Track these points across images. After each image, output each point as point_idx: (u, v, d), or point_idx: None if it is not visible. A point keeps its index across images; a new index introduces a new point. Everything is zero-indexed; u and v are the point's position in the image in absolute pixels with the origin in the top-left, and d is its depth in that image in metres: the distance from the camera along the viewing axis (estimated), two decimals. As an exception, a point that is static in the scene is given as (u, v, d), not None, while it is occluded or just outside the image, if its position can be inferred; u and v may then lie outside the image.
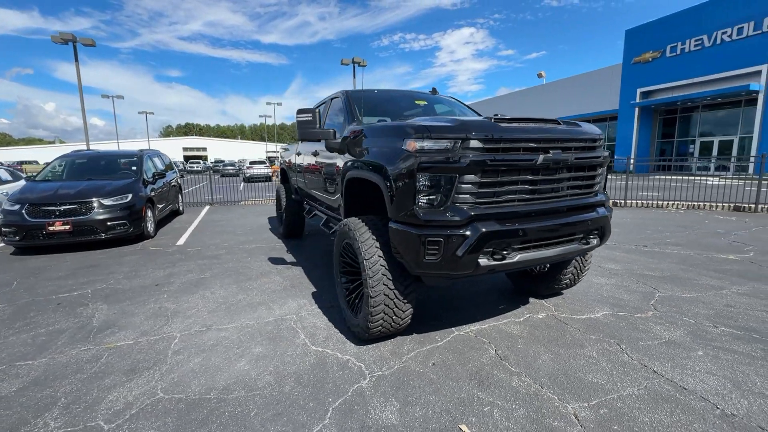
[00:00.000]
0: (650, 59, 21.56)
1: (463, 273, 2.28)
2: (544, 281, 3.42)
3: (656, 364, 2.43)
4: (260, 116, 59.82)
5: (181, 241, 6.37)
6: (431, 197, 2.23)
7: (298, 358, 2.61)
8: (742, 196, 9.16)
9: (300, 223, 6.22)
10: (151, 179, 7.15)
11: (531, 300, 3.55)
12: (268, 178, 23.12)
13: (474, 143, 2.20)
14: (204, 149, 73.94)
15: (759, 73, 17.01)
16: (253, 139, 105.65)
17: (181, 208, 9.64)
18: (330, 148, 3.51)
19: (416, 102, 4.07)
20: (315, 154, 4.20)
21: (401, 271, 2.52)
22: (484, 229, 2.19)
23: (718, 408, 2.01)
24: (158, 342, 2.87)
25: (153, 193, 6.96)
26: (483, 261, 2.25)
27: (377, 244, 2.54)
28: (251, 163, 24.86)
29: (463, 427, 1.91)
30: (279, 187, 6.38)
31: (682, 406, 2.03)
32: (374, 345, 2.75)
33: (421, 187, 2.22)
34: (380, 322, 2.55)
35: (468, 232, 2.18)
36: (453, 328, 3.00)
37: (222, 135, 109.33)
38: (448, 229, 2.19)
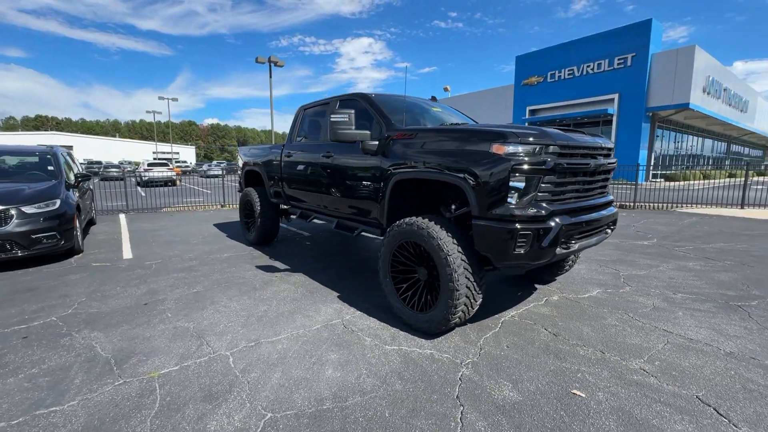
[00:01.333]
0: (535, 82, 25.55)
1: (542, 261, 2.61)
2: (551, 269, 3.99)
3: (661, 325, 3.12)
4: (148, 112, 51.99)
5: (127, 254, 5.42)
6: (520, 195, 2.51)
7: (382, 358, 2.61)
8: (618, 195, 11.61)
9: (275, 229, 5.88)
10: (74, 182, 5.91)
11: (537, 286, 4.08)
12: (171, 182, 20.57)
13: (553, 149, 2.56)
14: (70, 148, 61.43)
15: (613, 100, 21.66)
16: (130, 138, 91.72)
17: (94, 218, 8.08)
18: (365, 150, 3.51)
19: (427, 109, 4.31)
20: (327, 156, 4.10)
21: (477, 264, 2.74)
22: (562, 222, 2.56)
23: (720, 350, 2.72)
24: (212, 363, 2.54)
25: (79, 199, 5.77)
26: (558, 250, 2.62)
27: (454, 240, 2.71)
28: (150, 165, 21.77)
29: (575, 391, 2.23)
30: (248, 192, 5.92)
31: (699, 352, 2.68)
32: (443, 338, 2.90)
33: (513, 187, 2.49)
34: (460, 314, 2.73)
35: (551, 225, 2.52)
36: (496, 315, 3.32)
37: (90, 131, 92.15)
38: (535, 223, 2.50)
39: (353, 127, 3.44)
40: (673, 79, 19.86)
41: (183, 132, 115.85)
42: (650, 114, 21.23)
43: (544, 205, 2.57)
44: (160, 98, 45.70)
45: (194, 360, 2.58)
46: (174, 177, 21.12)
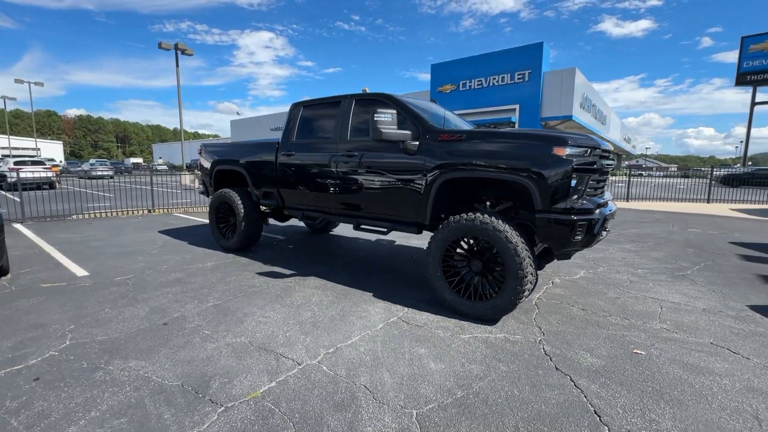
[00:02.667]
0: (449, 90, 27.75)
1: (588, 247, 3.07)
2: (548, 257, 4.58)
3: (647, 294, 3.90)
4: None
5: (78, 271, 4.47)
6: (578, 191, 2.93)
7: (467, 346, 2.77)
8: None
9: (259, 233, 5.47)
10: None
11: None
12: (49, 185, 16.96)
13: (597, 151, 3.03)
14: None
15: (515, 109, 24.80)
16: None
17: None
18: (406, 150, 3.58)
19: (437, 111, 4.53)
20: (350, 155, 4.04)
21: (532, 252, 3.08)
22: (603, 213, 3.05)
23: (697, 307, 3.54)
24: (309, 374, 2.38)
25: (-5, 206, 4.55)
26: (598, 237, 3.11)
27: (516, 233, 3.01)
28: (18, 163, 17.57)
29: (636, 350, 2.71)
30: (226, 194, 5.37)
31: (686, 311, 3.46)
32: (501, 323, 3.17)
33: (574, 184, 2.88)
34: (523, 298, 3.04)
35: (598, 217, 2.99)
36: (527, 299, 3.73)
37: None
38: (588, 214, 2.94)
39: (396, 127, 3.50)
40: (559, 94, 23.64)
41: (40, 124, 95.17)
42: (544, 123, 24.90)
43: (591, 199, 3.03)
44: (18, 81, 36.70)
45: (286, 374, 2.38)
46: (53, 178, 17.43)
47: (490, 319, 3.18)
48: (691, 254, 5.60)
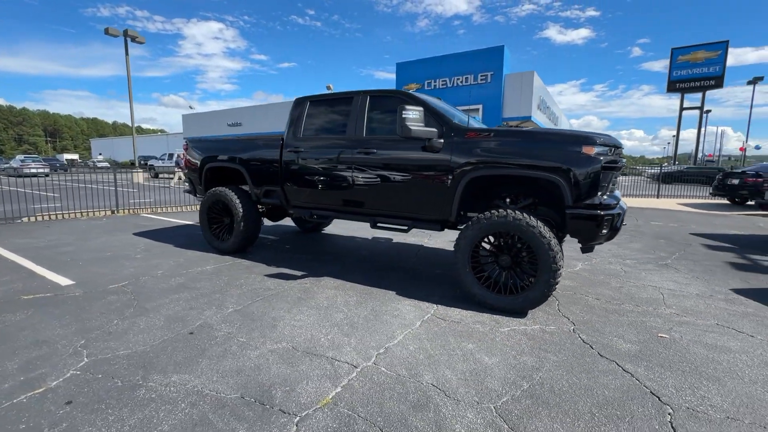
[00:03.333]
0: (414, 89, 28.10)
1: (610, 240, 3.28)
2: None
3: (644, 282, 4.23)
4: None
5: (61, 280, 4.00)
6: (604, 188, 3.10)
7: (510, 339, 2.84)
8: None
9: (257, 233, 5.22)
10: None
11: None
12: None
13: (617, 150, 3.23)
14: None
15: (479, 109, 25.68)
16: None
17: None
18: (431, 148, 3.59)
19: (452, 110, 4.57)
20: (366, 153, 3.97)
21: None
22: (623, 208, 3.26)
23: (692, 293, 3.91)
24: (370, 376, 2.33)
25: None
26: (618, 231, 3.32)
27: (547, 227, 3.13)
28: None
29: (661, 334, 2.94)
30: (222, 193, 5.06)
31: (685, 296, 3.81)
32: (530, 315, 3.29)
33: (601, 181, 3.05)
34: (554, 290, 3.17)
35: (619, 211, 3.20)
36: (542, 291, 3.90)
37: None
38: (612, 209, 3.13)
39: (423, 124, 3.50)
40: (519, 96, 24.83)
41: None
42: (505, 123, 26.05)
43: (612, 195, 3.24)
44: None
45: (348, 378, 2.31)
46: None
47: (520, 312, 3.29)
48: (664, 245, 6.16)
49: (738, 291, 4.00)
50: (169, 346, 2.66)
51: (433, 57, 27.02)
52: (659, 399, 2.14)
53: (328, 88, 39.46)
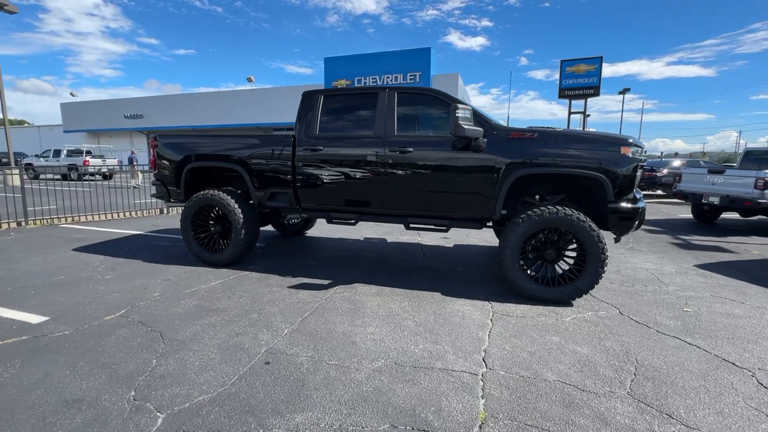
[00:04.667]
0: (344, 85, 27.79)
1: (636, 230, 3.69)
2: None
3: (638, 264, 4.87)
4: None
5: (28, 317, 3.04)
6: (637, 185, 3.47)
7: (580, 328, 3.04)
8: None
9: (257, 240, 4.67)
10: None
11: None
12: None
13: (641, 150, 3.64)
14: None
15: (408, 108, 26.49)
16: None
17: None
18: (476, 148, 3.60)
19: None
20: (402, 151, 3.82)
21: None
22: (644, 203, 3.71)
23: (687, 272, 4.62)
24: (497, 382, 2.27)
25: None
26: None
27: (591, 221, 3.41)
28: None
29: (686, 309, 3.43)
30: (212, 197, 4.39)
31: (685, 275, 4.48)
32: (576, 304, 3.55)
33: (636, 178, 3.42)
34: (601, 277, 3.46)
35: (644, 205, 3.62)
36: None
37: None
38: (640, 203, 3.53)
39: (473, 123, 3.50)
40: (446, 96, 26.33)
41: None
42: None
43: (637, 191, 3.65)
44: None
45: (479, 387, 2.22)
46: None
47: (566, 302, 3.53)
48: (614, 231, 7.16)
49: (699, 266, 4.86)
50: (255, 381, 2.24)
51: (362, 54, 27.07)
52: (734, 365, 2.51)
53: (250, 80, 36.80)
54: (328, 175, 4.12)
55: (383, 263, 4.82)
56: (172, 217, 8.36)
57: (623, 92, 36.39)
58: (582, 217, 3.35)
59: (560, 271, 3.62)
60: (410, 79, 26.03)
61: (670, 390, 2.22)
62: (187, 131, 35.25)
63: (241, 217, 4.35)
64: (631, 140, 3.49)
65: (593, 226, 3.34)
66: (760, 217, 8.37)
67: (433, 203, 3.89)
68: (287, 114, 33.02)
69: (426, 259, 5.03)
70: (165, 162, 4.71)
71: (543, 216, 3.43)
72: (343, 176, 4.07)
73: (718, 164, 16.26)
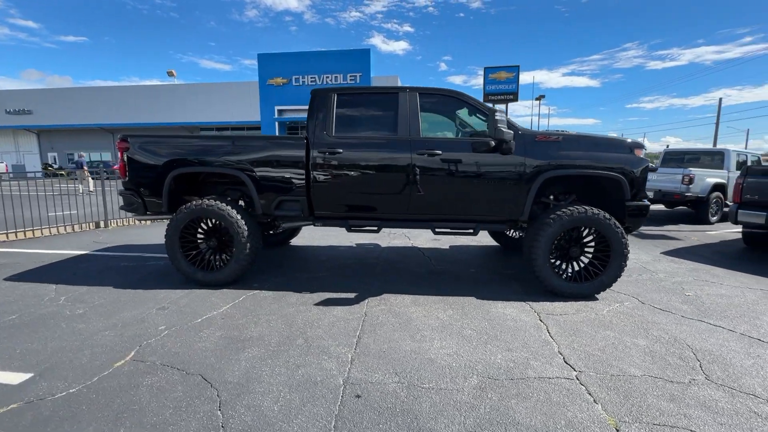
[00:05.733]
0: (281, 83, 26.55)
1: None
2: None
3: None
4: None
5: (9, 377, 2.29)
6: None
7: (625, 320, 3.23)
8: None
9: (257, 254, 4.16)
10: None
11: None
12: None
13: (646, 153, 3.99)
14: None
15: (349, 109, 26.21)
16: None
17: None
18: (505, 150, 3.61)
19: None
20: (430, 153, 3.69)
21: None
22: (645, 201, 4.07)
23: (660, 260, 5.19)
24: (597, 384, 2.29)
25: None
26: (643, 218, 4.12)
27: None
28: None
29: (687, 293, 3.85)
30: (209, 207, 3.79)
31: (660, 262, 5.02)
32: (603, 297, 3.78)
33: (647, 178, 3.73)
34: (623, 271, 3.71)
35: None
36: (571, 274, 4.49)
37: None
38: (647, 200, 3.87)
39: (506, 126, 3.51)
40: (386, 98, 26.61)
41: None
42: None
43: (642, 189, 4.01)
44: None
45: (589, 393, 2.21)
46: None
47: (591, 296, 3.74)
48: (576, 225, 7.85)
49: (666, 254, 5.53)
50: (361, 420, 1.95)
51: (300, 52, 26.17)
52: (761, 341, 2.87)
53: (171, 74, 33.20)
54: (348, 180, 3.82)
55: (394, 270, 4.64)
56: (114, 232, 7.13)
57: (539, 99, 40.54)
58: (608, 215, 3.57)
59: (575, 268, 3.83)
60: (350, 80, 25.80)
61: (736, 370, 2.45)
62: (147, 129, 30.43)
63: (245, 229, 3.84)
64: (642, 143, 3.82)
65: (617, 223, 3.58)
66: (679, 207, 9.87)
67: (461, 207, 3.83)
68: (217, 113, 30.55)
69: (434, 263, 4.97)
70: (141, 167, 3.96)
71: (573, 216, 3.58)
72: (366, 181, 3.81)
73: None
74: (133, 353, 2.60)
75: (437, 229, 3.94)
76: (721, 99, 35.54)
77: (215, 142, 3.97)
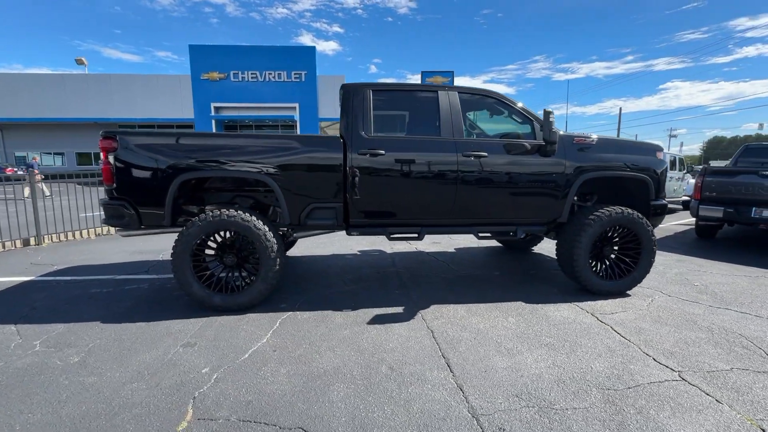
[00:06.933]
0: (218, 78, 24.49)
1: None
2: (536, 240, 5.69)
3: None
4: None
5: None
6: (664, 185, 4.08)
7: (667, 313, 3.40)
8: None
9: (281, 270, 3.65)
10: None
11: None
12: None
13: (657, 155, 4.28)
14: None
15: (295, 108, 25.09)
16: None
17: None
18: (547, 153, 3.60)
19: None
20: (477, 156, 3.53)
21: None
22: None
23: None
24: (697, 382, 2.33)
25: None
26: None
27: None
28: None
29: (695, 284, 4.21)
30: (228, 219, 3.20)
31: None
32: (633, 293, 3.96)
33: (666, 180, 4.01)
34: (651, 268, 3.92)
35: (665, 202, 4.27)
36: (587, 272, 4.67)
37: None
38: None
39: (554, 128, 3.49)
40: (333, 98, 25.90)
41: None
42: (321, 124, 26.62)
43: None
44: None
45: (704, 392, 2.23)
46: None
47: (623, 292, 3.90)
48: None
49: (645, 247, 6.06)
50: (528, 459, 1.72)
51: (239, 46, 24.61)
52: (782, 323, 3.21)
53: (80, 62, 28.61)
54: (391, 184, 3.51)
55: (421, 277, 4.41)
56: (53, 250, 5.83)
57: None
58: (640, 215, 3.75)
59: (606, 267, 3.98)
60: (295, 78, 24.81)
61: (796, 354, 2.68)
62: (40, 125, 24.78)
63: (274, 242, 3.32)
64: (661, 146, 4.09)
65: (647, 222, 3.78)
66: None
67: (505, 209, 3.75)
68: (139, 108, 27.05)
69: (454, 267, 4.84)
70: (136, 171, 3.21)
71: (611, 216, 3.69)
72: (410, 185, 3.54)
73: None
74: (191, 410, 2.04)
75: (480, 234, 3.81)
76: (621, 108, 41.12)
77: (236, 140, 3.38)
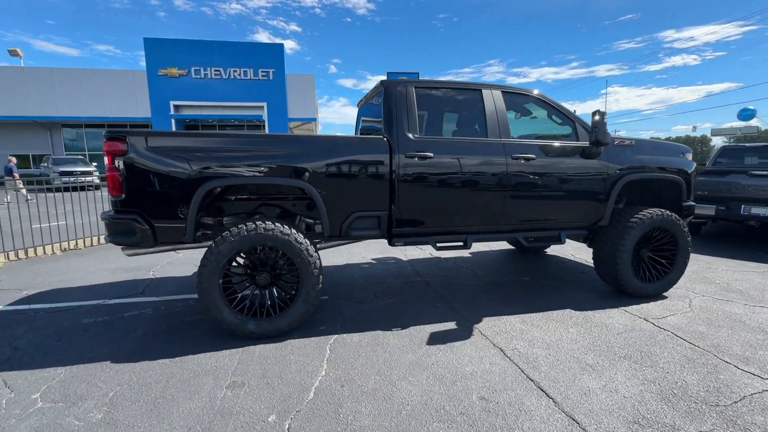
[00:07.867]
0: (177, 75, 22.83)
1: None
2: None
3: (615, 251, 5.83)
4: None
5: None
6: (693, 186, 4.13)
7: (710, 314, 3.40)
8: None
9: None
10: None
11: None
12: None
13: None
14: None
15: (263, 107, 23.97)
16: None
17: None
18: (590, 155, 3.50)
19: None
20: (526, 159, 3.35)
21: None
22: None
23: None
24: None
25: None
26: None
27: (681, 221, 3.86)
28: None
29: (716, 282, 4.32)
30: (266, 232, 2.78)
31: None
32: (670, 294, 3.96)
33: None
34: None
35: (692, 203, 4.33)
36: (611, 273, 4.67)
37: None
38: (693, 201, 4.22)
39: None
40: (303, 97, 25.12)
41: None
42: (291, 124, 25.66)
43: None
44: None
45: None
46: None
47: (658, 294, 3.90)
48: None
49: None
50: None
51: (200, 40, 23.18)
52: (820, 319, 3.32)
53: (14, 53, 25.44)
54: (442, 190, 3.24)
55: (454, 286, 4.18)
56: (11, 271, 4.94)
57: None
58: (677, 216, 3.76)
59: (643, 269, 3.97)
60: (262, 76, 23.75)
61: None
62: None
63: (316, 257, 2.94)
64: (689, 148, 4.14)
65: (684, 224, 3.80)
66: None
67: (551, 213, 3.61)
68: (85, 106, 24.50)
69: (482, 273, 4.66)
70: (152, 179, 2.69)
71: (653, 218, 3.66)
72: (459, 189, 3.28)
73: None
74: None
75: (528, 240, 3.64)
76: (575, 111, 43.63)
77: (268, 143, 2.95)
